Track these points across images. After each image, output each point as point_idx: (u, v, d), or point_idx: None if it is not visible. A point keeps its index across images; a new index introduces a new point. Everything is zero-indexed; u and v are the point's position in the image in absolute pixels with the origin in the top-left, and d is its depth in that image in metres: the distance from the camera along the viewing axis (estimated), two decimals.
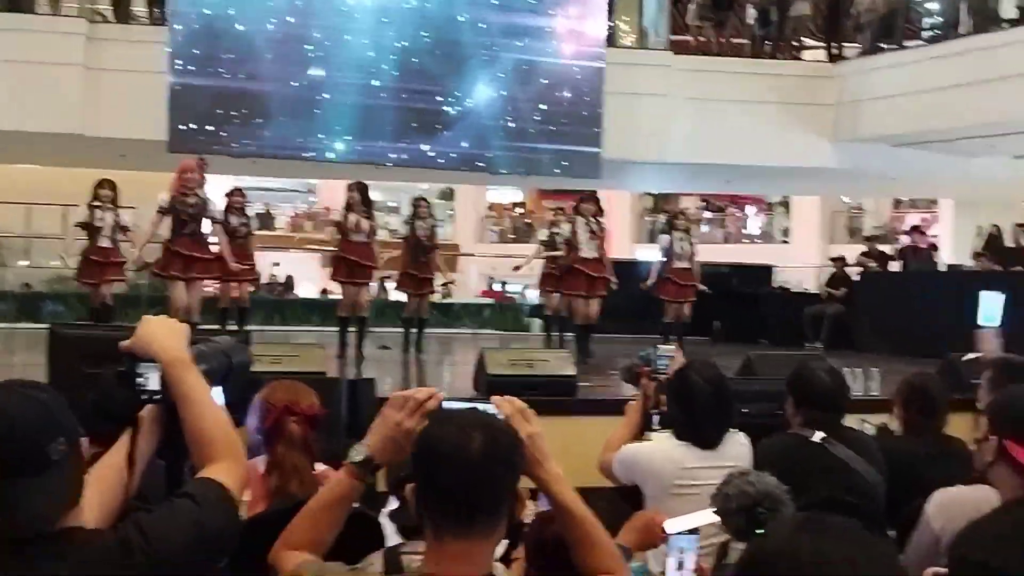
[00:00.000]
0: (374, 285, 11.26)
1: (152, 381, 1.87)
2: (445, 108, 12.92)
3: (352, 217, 9.34)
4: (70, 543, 1.64)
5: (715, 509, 2.64)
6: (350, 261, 9.36)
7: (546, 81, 13.19)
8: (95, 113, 12.07)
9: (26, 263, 15.53)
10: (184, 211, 8.47)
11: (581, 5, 13.37)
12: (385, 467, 2.98)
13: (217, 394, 2.02)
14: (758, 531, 2.43)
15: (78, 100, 12.01)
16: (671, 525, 2.50)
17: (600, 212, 9.97)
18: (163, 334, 1.91)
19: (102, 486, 1.82)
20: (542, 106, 13.17)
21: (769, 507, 2.57)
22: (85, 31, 12.25)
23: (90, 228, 9.63)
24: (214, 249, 8.98)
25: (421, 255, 10.01)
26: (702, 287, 10.88)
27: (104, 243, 9.69)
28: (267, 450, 3.15)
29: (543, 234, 11.10)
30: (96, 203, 9.64)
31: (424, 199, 10.54)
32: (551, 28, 13.29)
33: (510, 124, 13.12)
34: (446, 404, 2.03)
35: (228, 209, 10.00)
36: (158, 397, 1.87)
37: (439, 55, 12.84)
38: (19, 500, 1.61)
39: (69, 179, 9.91)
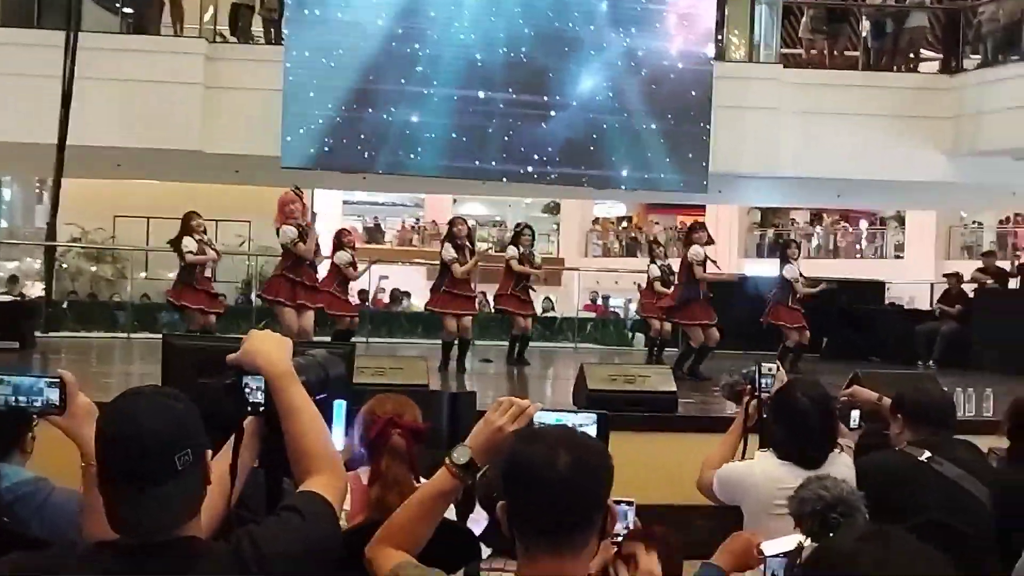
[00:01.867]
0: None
1: (258, 393, 1.93)
2: (553, 122, 12.93)
3: (448, 254, 9.57)
4: (188, 552, 1.70)
5: (790, 511, 2.64)
6: (451, 292, 9.59)
7: (656, 95, 13.11)
8: (213, 130, 12.49)
9: (144, 275, 16.09)
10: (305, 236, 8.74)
11: (690, 17, 13.24)
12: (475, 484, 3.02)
13: (338, 408, 2.09)
14: (830, 536, 2.40)
15: (197, 118, 12.44)
16: (768, 547, 2.46)
17: (711, 241, 9.93)
18: (268, 347, 1.97)
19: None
20: (650, 121, 13.09)
21: (843, 512, 2.57)
22: (205, 51, 12.70)
23: (195, 258, 9.73)
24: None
25: (523, 279, 10.25)
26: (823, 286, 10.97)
27: (207, 272, 9.92)
28: (370, 462, 3.19)
29: (654, 271, 11.19)
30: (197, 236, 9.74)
31: (528, 226, 10.75)
32: (662, 45, 13.19)
33: (619, 139, 13.08)
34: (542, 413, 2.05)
35: (337, 247, 10.23)
36: (263, 409, 1.93)
37: (546, 68, 12.89)
38: (143, 507, 1.67)
39: (186, 193, 10.25)
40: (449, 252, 9.58)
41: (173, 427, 1.69)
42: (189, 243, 9.62)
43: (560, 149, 12.97)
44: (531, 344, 10.88)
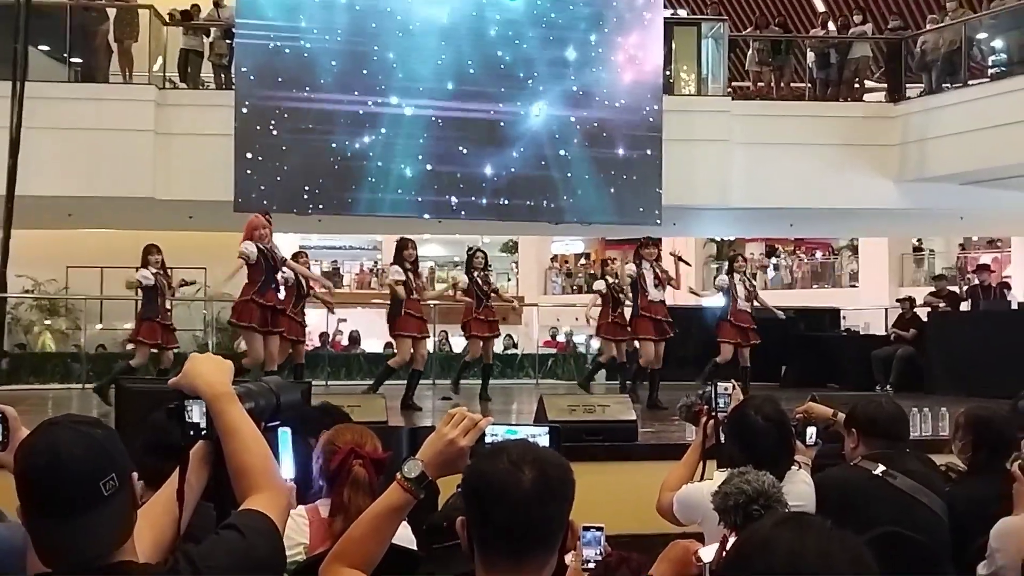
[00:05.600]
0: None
1: (198, 416, 1.90)
2: (501, 159, 12.98)
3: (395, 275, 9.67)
4: None
5: (714, 506, 2.70)
6: (410, 314, 9.62)
7: (605, 132, 13.22)
8: (165, 177, 12.41)
9: (100, 326, 15.89)
10: (269, 260, 8.75)
11: (638, 53, 13.39)
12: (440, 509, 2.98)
13: (284, 436, 2.07)
14: None
15: (149, 164, 12.37)
16: (706, 553, 2.45)
17: (660, 258, 10.10)
18: (208, 370, 1.94)
19: (153, 522, 1.85)
20: (601, 155, 13.19)
21: (764, 505, 2.62)
22: (155, 97, 12.64)
23: (158, 292, 9.73)
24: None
25: (485, 300, 10.38)
26: (780, 313, 11.05)
27: (167, 305, 9.88)
28: (331, 492, 3.15)
29: (601, 285, 11.06)
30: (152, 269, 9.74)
31: (479, 249, 10.98)
32: (609, 77, 13.33)
33: (569, 174, 13.16)
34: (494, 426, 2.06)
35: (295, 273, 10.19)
36: (204, 432, 1.91)
37: (498, 77, 12.93)
38: (72, 536, 1.64)
39: (138, 242, 10.17)
40: (397, 274, 9.58)
41: (94, 454, 1.67)
42: (144, 272, 9.57)
43: (510, 186, 13.02)
44: (493, 381, 10.89)
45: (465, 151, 12.88)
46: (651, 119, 13.19)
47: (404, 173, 12.77)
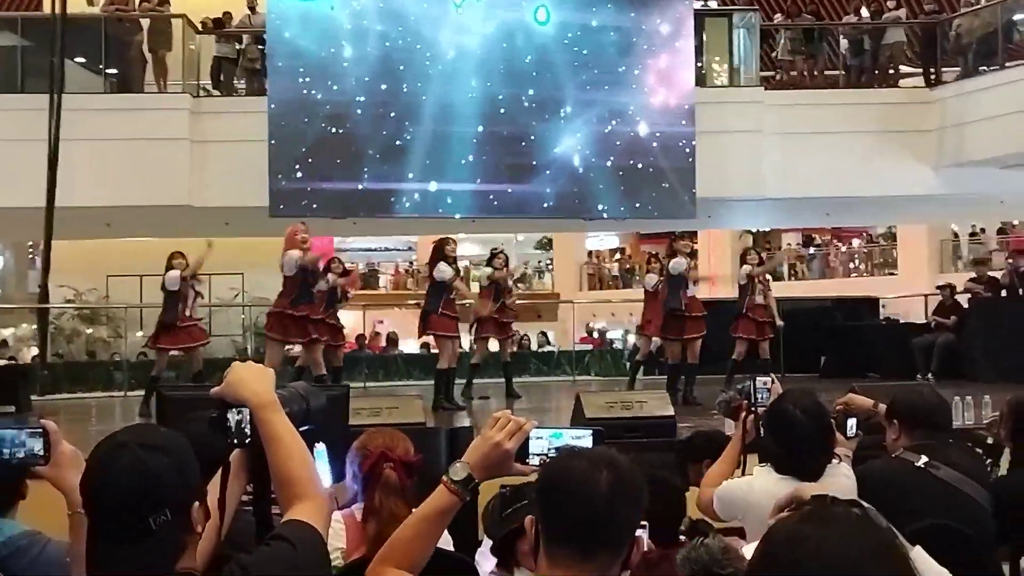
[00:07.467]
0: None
1: (242, 425, 1.92)
2: (536, 158, 13.02)
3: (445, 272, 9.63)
4: None
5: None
6: (448, 315, 9.64)
7: (638, 126, 13.19)
8: (201, 184, 12.54)
9: (140, 333, 16.07)
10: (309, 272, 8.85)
11: (671, 51, 13.35)
12: (482, 514, 2.99)
13: (319, 452, 2.07)
14: None
15: (185, 172, 12.50)
16: (748, 550, 2.44)
17: (695, 253, 10.01)
18: (252, 379, 1.96)
19: None
20: (635, 148, 13.17)
21: (725, 567, 2.55)
22: (189, 106, 12.78)
23: (180, 298, 9.82)
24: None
25: (501, 296, 10.35)
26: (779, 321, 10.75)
27: (187, 312, 9.93)
28: (364, 497, 3.17)
29: (650, 282, 10.94)
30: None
31: (501, 250, 10.86)
32: (642, 73, 13.30)
33: (602, 160, 13.14)
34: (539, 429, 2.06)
35: (328, 276, 10.26)
36: (248, 440, 1.93)
37: (529, 105, 12.98)
38: (115, 563, 1.67)
39: (177, 249, 10.28)
40: (446, 270, 9.52)
41: (149, 486, 1.67)
42: (172, 275, 9.69)
43: (548, 186, 13.05)
44: (529, 379, 10.91)
45: (502, 166, 12.94)
46: (685, 112, 13.14)
47: (439, 174, 12.82)
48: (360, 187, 12.74)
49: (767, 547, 1.38)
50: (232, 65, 13.72)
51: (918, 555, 2.08)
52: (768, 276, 11.06)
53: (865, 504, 1.42)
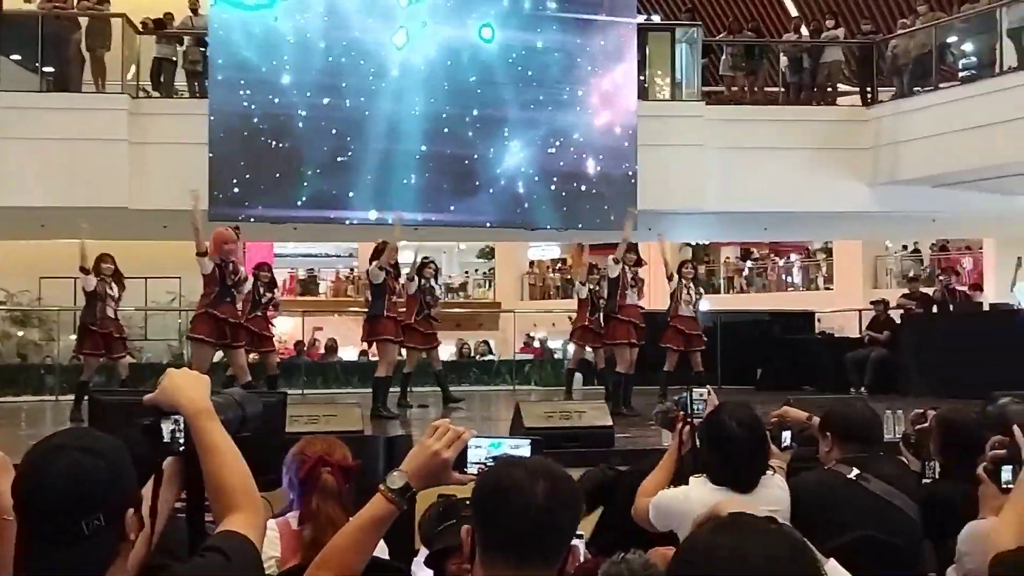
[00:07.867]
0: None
1: (176, 433, 1.89)
2: (479, 177, 13.03)
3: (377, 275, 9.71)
4: None
5: None
6: (392, 317, 9.68)
7: (579, 137, 13.26)
8: (140, 186, 12.34)
9: (73, 337, 15.76)
10: (227, 274, 8.75)
11: (614, 73, 13.45)
12: (418, 523, 2.98)
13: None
14: None
15: (124, 174, 12.29)
16: None
17: (640, 262, 10.08)
18: (187, 386, 1.93)
19: None
20: (577, 160, 13.23)
21: None
22: (128, 106, 12.57)
23: (99, 298, 9.68)
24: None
25: (424, 309, 10.35)
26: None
27: (110, 314, 9.77)
28: (301, 502, 3.15)
29: (583, 291, 11.04)
30: (101, 276, 9.72)
31: (431, 260, 10.86)
32: (585, 95, 13.38)
33: (545, 180, 13.19)
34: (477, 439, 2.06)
35: (256, 283, 10.07)
36: (182, 448, 1.90)
37: (473, 124, 12.98)
38: (47, 565, 1.64)
39: (113, 252, 10.10)
40: (379, 274, 9.59)
41: (84, 491, 1.64)
42: (87, 279, 9.55)
43: (490, 197, 13.08)
44: (469, 387, 10.91)
45: (439, 160, 12.91)
46: (627, 124, 13.24)
47: (381, 182, 12.76)
48: (298, 215, 12.68)
49: (683, 556, 1.39)
50: (172, 66, 13.53)
51: (832, 568, 2.10)
52: (701, 289, 11.23)
53: (781, 520, 1.43)
